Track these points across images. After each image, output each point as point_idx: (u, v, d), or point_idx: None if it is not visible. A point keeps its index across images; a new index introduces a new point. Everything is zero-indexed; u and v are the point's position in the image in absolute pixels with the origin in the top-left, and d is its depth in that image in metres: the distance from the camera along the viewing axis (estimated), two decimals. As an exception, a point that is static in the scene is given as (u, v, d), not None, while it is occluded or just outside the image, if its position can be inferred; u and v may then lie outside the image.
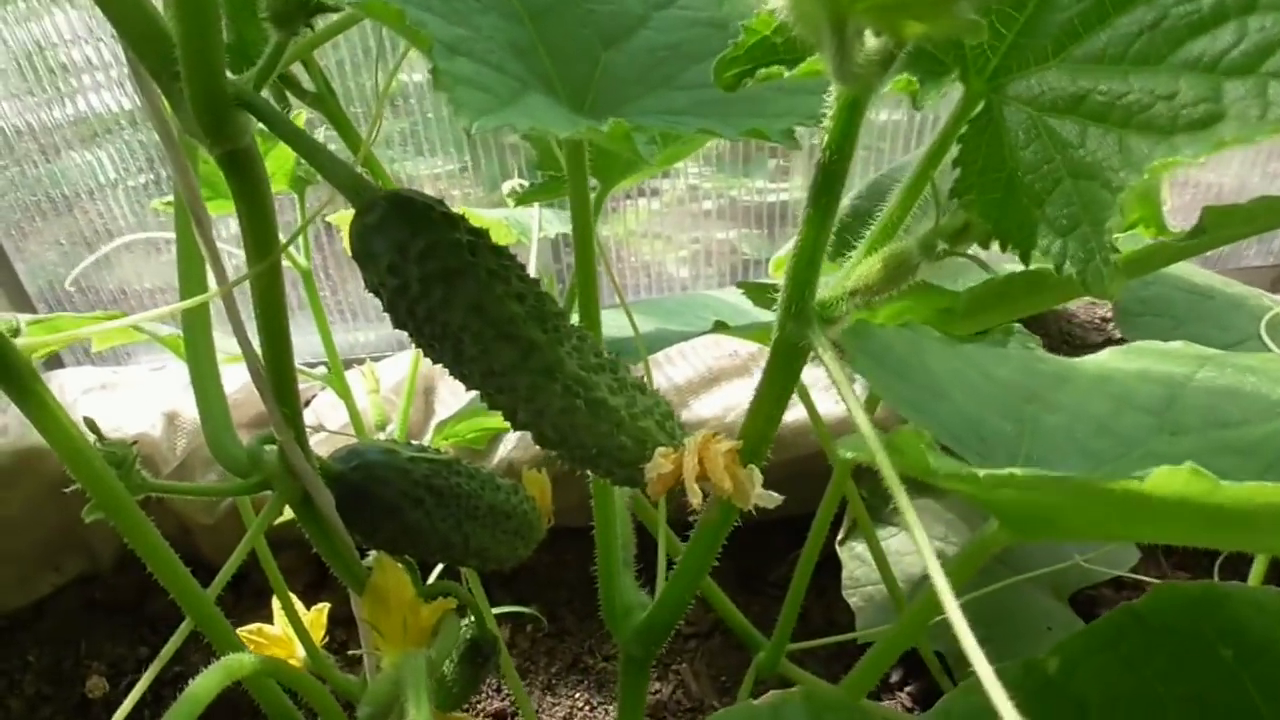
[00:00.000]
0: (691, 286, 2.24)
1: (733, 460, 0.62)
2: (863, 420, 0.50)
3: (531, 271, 1.37)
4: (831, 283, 0.59)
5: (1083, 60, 0.53)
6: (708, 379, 1.81)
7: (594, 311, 0.86)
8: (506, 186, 1.47)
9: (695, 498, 0.61)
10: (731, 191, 2.13)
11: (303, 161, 1.41)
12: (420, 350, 0.71)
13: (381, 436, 1.60)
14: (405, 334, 0.71)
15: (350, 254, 0.68)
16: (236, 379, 1.55)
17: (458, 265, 0.64)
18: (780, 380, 0.64)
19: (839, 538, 1.68)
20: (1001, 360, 0.83)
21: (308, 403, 1.83)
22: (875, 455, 0.49)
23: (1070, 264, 0.50)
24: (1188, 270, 1.39)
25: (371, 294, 0.68)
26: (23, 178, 1.85)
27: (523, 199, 1.25)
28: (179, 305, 0.81)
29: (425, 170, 2.01)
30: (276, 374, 0.85)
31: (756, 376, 1.86)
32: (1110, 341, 1.87)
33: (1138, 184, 0.48)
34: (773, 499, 0.61)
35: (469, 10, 0.69)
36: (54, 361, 1.99)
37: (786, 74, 0.56)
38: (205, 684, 0.71)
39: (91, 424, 0.85)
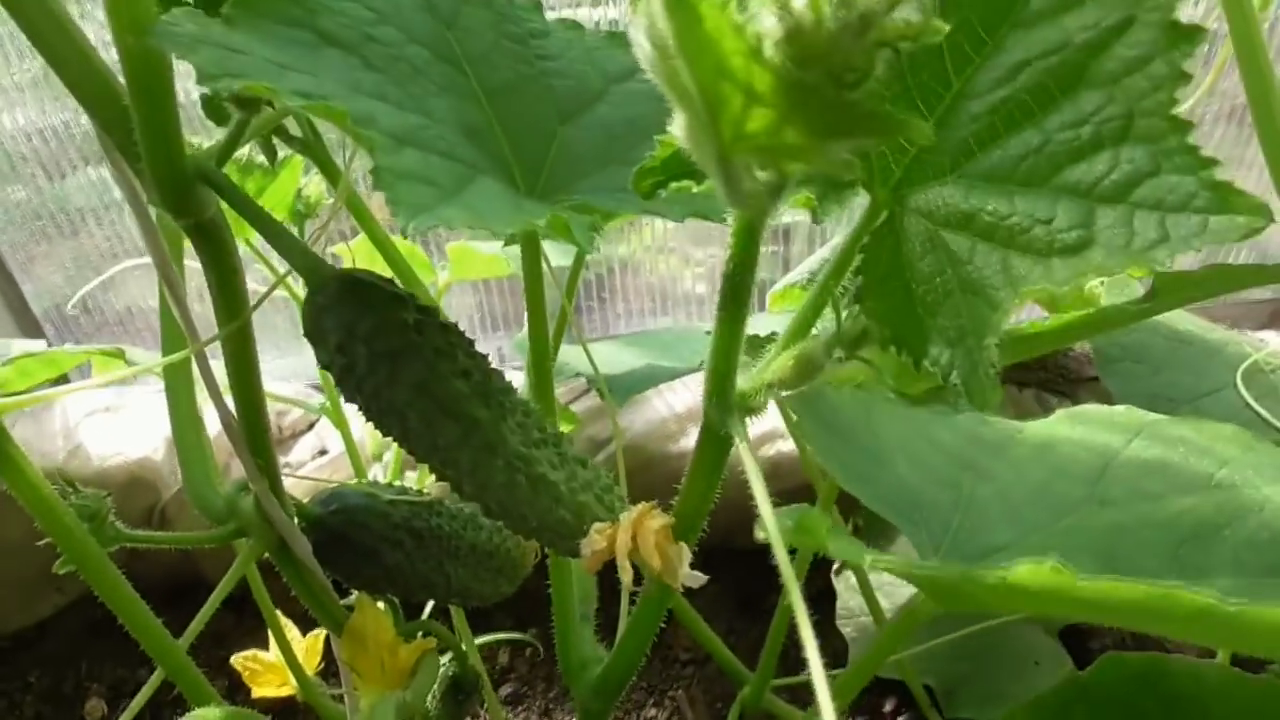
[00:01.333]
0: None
1: (665, 537, 0.65)
2: (764, 501, 0.53)
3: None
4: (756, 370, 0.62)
5: (976, 178, 0.55)
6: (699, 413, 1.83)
7: (547, 383, 0.88)
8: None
9: (625, 575, 0.63)
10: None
11: (301, 195, 1.45)
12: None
13: (378, 466, 1.63)
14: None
15: (304, 333, 0.71)
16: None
17: (403, 345, 0.67)
18: (710, 462, 0.66)
19: (835, 567, 1.70)
20: (948, 425, 0.85)
21: (311, 426, 1.86)
22: (773, 538, 0.52)
23: (957, 373, 0.53)
24: (1171, 316, 1.40)
25: (324, 370, 0.71)
26: (27, 200, 1.87)
27: (510, 240, 1.27)
28: (137, 370, 0.84)
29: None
30: (250, 427, 0.88)
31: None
32: (1103, 376, 1.88)
33: (1014, 302, 0.50)
34: (699, 579, 0.63)
35: (425, 94, 0.72)
36: (60, 382, 2.02)
37: (695, 188, 0.58)
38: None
39: (66, 478, 0.88)
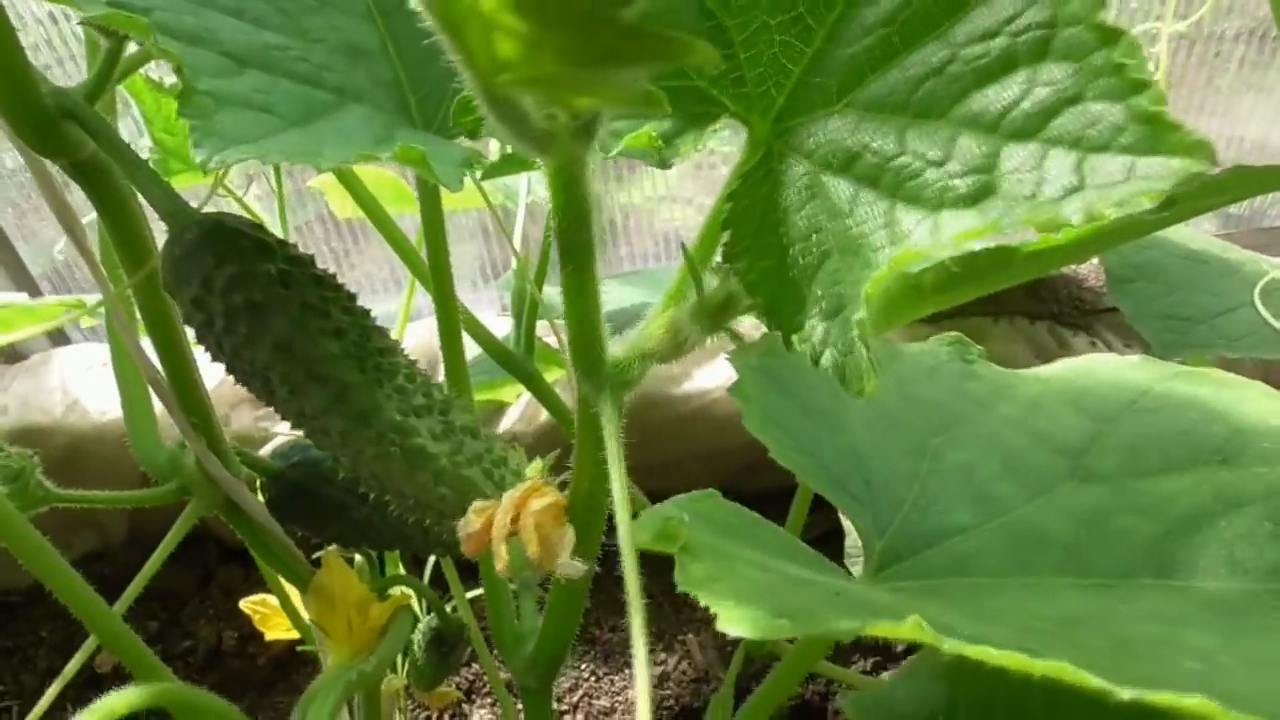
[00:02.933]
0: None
1: (550, 518, 0.56)
2: (621, 500, 0.45)
3: (518, 239, 1.32)
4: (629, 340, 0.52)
5: (866, 107, 0.44)
6: (711, 350, 1.74)
7: (454, 333, 0.80)
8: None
9: (498, 562, 0.55)
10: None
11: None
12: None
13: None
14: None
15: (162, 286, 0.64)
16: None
17: (264, 299, 0.59)
18: (592, 438, 0.57)
19: (845, 506, 1.61)
20: (930, 377, 0.75)
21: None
22: (624, 542, 0.43)
23: (830, 354, 0.43)
24: (1185, 235, 1.31)
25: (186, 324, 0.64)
26: (16, 160, 1.83)
27: (484, 175, 1.19)
28: (70, 315, 0.78)
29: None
30: (179, 383, 0.82)
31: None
32: (1121, 306, 1.77)
33: (885, 271, 0.40)
34: (577, 569, 0.55)
35: (300, 10, 0.63)
36: (59, 338, 2.00)
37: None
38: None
39: (-7, 438, 0.83)
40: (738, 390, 0.65)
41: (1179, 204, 0.75)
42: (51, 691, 0.88)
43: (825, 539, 1.57)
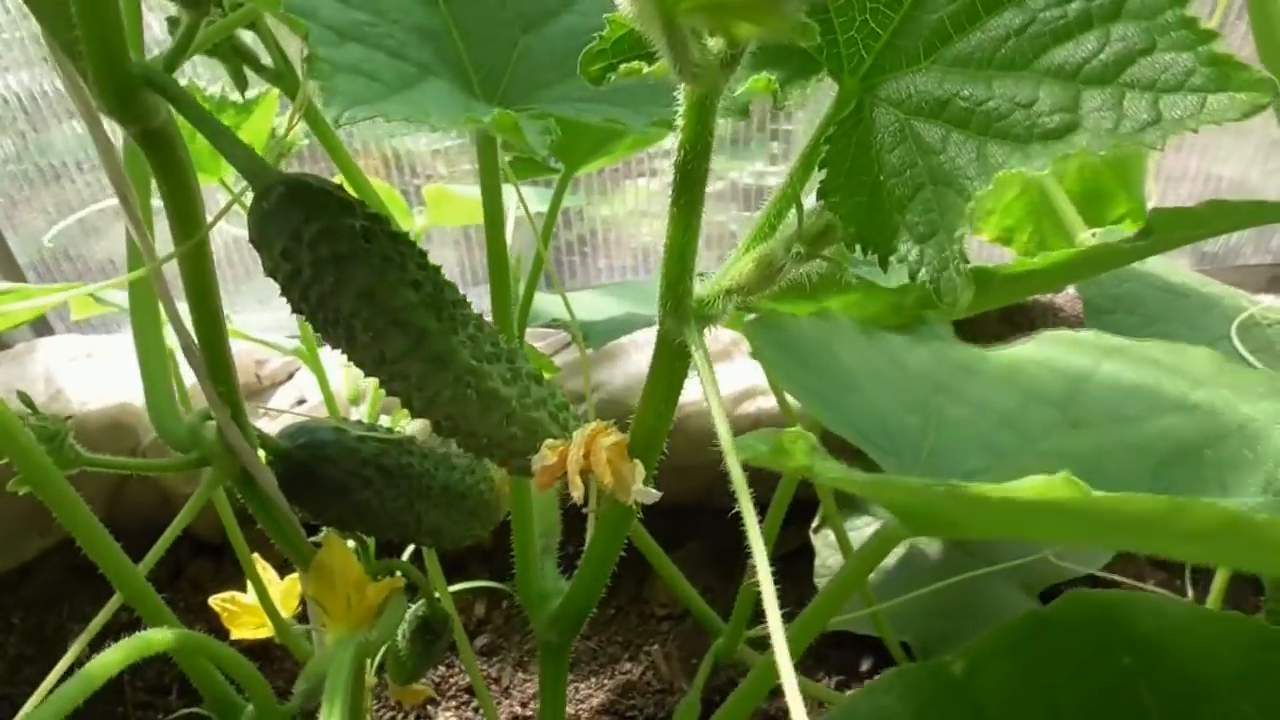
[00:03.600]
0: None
1: (618, 454, 0.61)
2: (722, 421, 0.50)
3: (511, 250, 1.37)
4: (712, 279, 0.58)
5: (952, 63, 0.51)
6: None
7: (505, 301, 0.85)
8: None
9: (576, 491, 0.60)
10: (731, 174, 2.10)
11: (278, 129, 1.41)
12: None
13: (355, 411, 1.59)
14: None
15: (249, 239, 0.68)
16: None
17: (350, 250, 0.64)
18: (666, 377, 0.63)
19: (813, 525, 1.67)
20: (913, 349, 0.82)
21: (290, 376, 1.83)
22: (729, 457, 0.49)
23: (925, 272, 0.49)
24: (1164, 269, 1.36)
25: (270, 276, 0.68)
26: (11, 148, 1.85)
27: (518, 173, 1.24)
28: (89, 288, 0.81)
29: (425, 146, 1.97)
30: (210, 351, 0.85)
31: (737, 361, 1.83)
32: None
33: (981, 193, 0.46)
34: (651, 495, 0.60)
35: (376, -9, 0.68)
36: (42, 329, 1.99)
37: (646, 69, 0.55)
38: (106, 661, 0.71)
39: (25, 398, 0.85)
40: (758, 355, 0.70)
41: (1157, 234, 0.83)
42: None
43: (797, 554, 1.65)
